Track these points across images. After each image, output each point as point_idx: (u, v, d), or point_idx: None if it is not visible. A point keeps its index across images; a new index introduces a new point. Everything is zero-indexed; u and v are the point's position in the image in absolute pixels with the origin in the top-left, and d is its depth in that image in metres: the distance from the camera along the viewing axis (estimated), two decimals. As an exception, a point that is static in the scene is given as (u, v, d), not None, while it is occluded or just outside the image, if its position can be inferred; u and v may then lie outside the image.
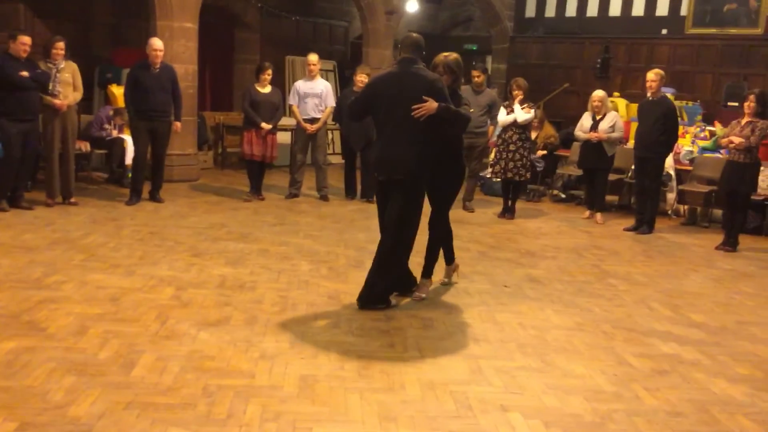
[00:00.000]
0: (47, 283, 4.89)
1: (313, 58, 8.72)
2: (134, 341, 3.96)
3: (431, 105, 4.57)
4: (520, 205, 8.82)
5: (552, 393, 3.64)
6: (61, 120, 7.27)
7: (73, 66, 7.41)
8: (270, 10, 12.52)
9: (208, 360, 3.78)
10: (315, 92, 8.63)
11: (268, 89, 8.34)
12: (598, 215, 8.50)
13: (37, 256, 5.53)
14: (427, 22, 16.30)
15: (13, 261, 5.34)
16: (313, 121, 8.62)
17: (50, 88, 7.11)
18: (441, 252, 5.41)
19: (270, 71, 8.32)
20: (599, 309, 5.14)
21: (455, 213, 8.46)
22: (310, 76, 8.74)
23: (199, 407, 3.26)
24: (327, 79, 10.19)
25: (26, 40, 6.88)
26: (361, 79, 8.68)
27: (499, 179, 8.64)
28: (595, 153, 8.28)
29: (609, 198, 9.19)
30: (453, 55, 5.22)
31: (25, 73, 6.77)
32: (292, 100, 8.77)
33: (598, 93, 8.45)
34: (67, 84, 7.27)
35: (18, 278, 4.95)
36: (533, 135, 9.52)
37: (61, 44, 7.19)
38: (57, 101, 7.13)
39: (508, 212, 8.49)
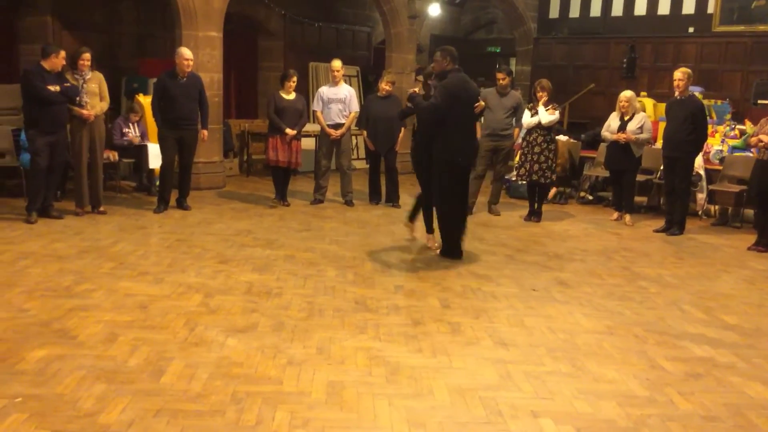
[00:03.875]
0: (77, 292, 4.94)
1: (336, 64, 8.75)
2: (163, 348, 3.99)
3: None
4: (546, 207, 8.74)
5: (583, 398, 3.59)
6: (89, 130, 7.36)
7: (100, 76, 7.51)
8: (293, 18, 12.58)
9: (237, 366, 3.78)
10: (339, 98, 8.65)
11: (292, 96, 8.37)
12: (627, 217, 8.39)
13: (67, 264, 5.59)
14: (450, 26, 16.28)
15: (44, 270, 5.41)
16: (337, 126, 8.64)
17: (78, 99, 7.20)
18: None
19: (295, 78, 8.36)
20: (630, 312, 5.06)
21: (480, 216, 8.47)
22: (334, 82, 8.77)
23: (228, 414, 3.26)
24: (350, 85, 10.22)
25: (64, 54, 7.00)
26: (385, 86, 8.70)
27: (524, 182, 8.57)
28: (623, 154, 8.17)
29: (637, 199, 9.08)
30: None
31: (54, 88, 6.86)
32: (316, 106, 8.80)
33: (626, 93, 8.34)
34: (94, 94, 7.36)
35: (48, 287, 5.01)
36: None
37: (87, 55, 7.28)
38: (84, 111, 7.22)
39: (534, 215, 8.42)
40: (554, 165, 8.25)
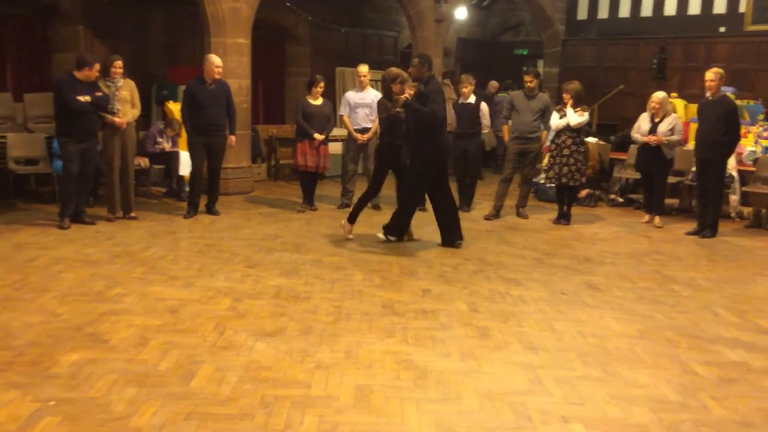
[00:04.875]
0: (109, 296, 5.01)
1: (363, 69, 8.78)
2: (193, 352, 4.02)
3: None
4: (575, 210, 8.66)
5: (615, 403, 3.54)
6: (121, 137, 7.46)
7: (131, 84, 7.61)
8: (320, 23, 12.65)
9: (265, 370, 3.80)
10: (365, 102, 8.67)
11: (319, 101, 8.41)
12: (657, 219, 8.27)
13: (99, 269, 5.67)
14: (477, 29, 16.24)
15: (77, 275, 5.49)
16: (364, 131, 8.66)
17: (110, 106, 7.31)
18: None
19: (322, 84, 8.41)
20: (662, 316, 4.98)
21: (508, 220, 8.42)
22: (361, 87, 8.80)
23: (257, 418, 3.27)
24: (377, 89, 10.21)
25: (98, 67, 7.10)
26: (410, 90, 8.67)
27: (553, 185, 8.50)
28: (654, 156, 8.07)
29: (669, 201, 8.95)
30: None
31: (85, 98, 6.96)
32: (342, 110, 8.83)
33: (658, 95, 8.23)
34: (125, 101, 7.46)
35: (81, 291, 5.09)
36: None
37: (119, 63, 7.39)
38: (117, 119, 7.32)
39: (563, 218, 8.34)
40: (584, 167, 8.16)
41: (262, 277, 5.59)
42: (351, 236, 7.01)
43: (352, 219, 7.03)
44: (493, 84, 13.57)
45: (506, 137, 8.73)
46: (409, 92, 6.61)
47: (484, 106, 8.81)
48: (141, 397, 3.44)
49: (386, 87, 6.77)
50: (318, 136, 8.24)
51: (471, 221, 8.37)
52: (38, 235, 6.74)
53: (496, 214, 8.55)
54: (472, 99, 8.71)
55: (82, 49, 9.62)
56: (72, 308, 4.71)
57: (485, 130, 8.92)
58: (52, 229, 7.01)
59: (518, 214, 8.69)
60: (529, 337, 4.47)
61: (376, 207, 8.77)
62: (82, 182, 7.24)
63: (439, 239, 7.00)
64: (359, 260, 6.25)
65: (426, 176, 6.68)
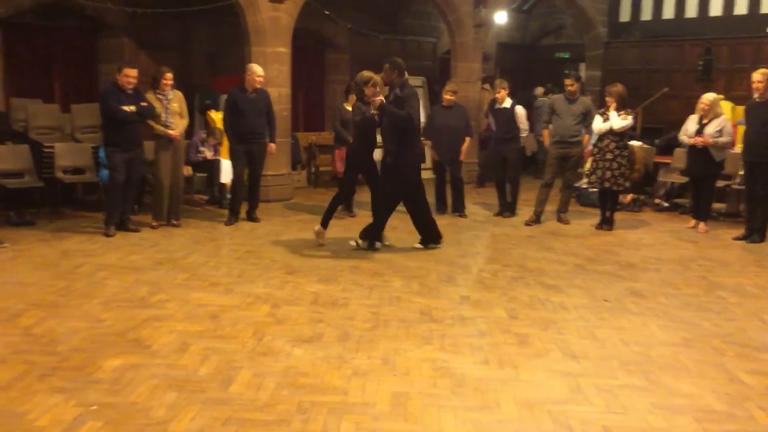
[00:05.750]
0: (152, 302, 5.09)
1: (402, 75, 8.76)
2: (232, 358, 4.06)
3: None
4: (619, 215, 8.50)
5: (658, 413, 3.45)
6: (173, 148, 7.59)
7: (180, 95, 7.73)
8: (359, 31, 12.71)
9: (302, 376, 3.81)
10: (403, 108, 8.66)
11: (358, 107, 8.42)
12: (701, 224, 8.07)
13: (143, 276, 5.78)
14: (517, 33, 16.11)
15: (121, 281, 5.60)
16: (402, 137, 8.64)
17: (163, 118, 7.43)
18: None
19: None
20: (708, 323, 4.85)
21: (549, 225, 8.31)
22: (399, 93, 8.78)
23: (294, 424, 3.28)
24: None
25: (130, 72, 7.15)
26: (447, 95, 8.69)
27: (595, 189, 8.37)
28: (703, 159, 7.88)
29: (716, 205, 8.72)
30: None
31: (130, 108, 7.10)
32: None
33: (708, 96, 8.04)
34: (176, 114, 7.59)
35: (125, 297, 5.18)
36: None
37: (169, 75, 7.50)
38: (171, 132, 7.45)
39: (606, 223, 8.20)
40: (627, 171, 8.01)
41: (300, 284, 5.62)
42: (323, 242, 6.97)
43: (324, 224, 7.01)
44: (540, 89, 13.47)
45: (546, 141, 8.64)
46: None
47: (519, 109, 8.72)
48: (181, 402, 3.48)
49: (359, 90, 6.80)
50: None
51: (511, 227, 8.30)
52: (84, 243, 6.90)
53: (536, 219, 8.46)
54: (507, 103, 8.64)
55: (126, 60, 9.84)
56: (116, 314, 4.80)
57: (524, 134, 8.82)
58: (97, 236, 7.17)
59: (559, 220, 8.58)
60: (570, 344, 4.40)
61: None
62: (128, 190, 7.39)
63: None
64: (398, 266, 6.24)
65: (402, 183, 6.73)
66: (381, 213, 6.88)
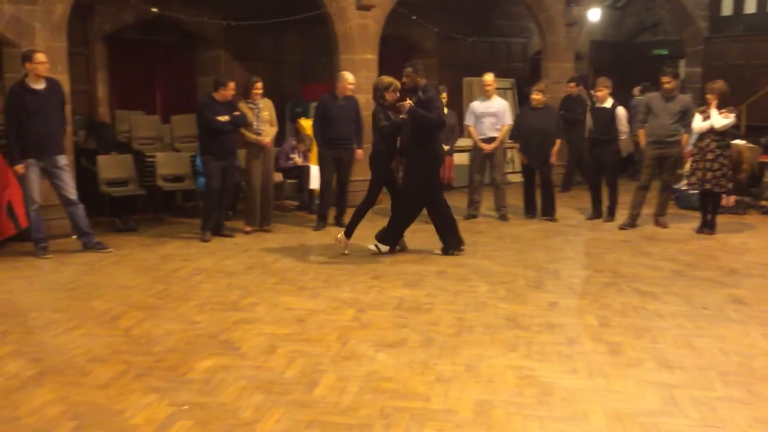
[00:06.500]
0: (243, 305, 5.25)
1: (488, 77, 8.69)
2: (317, 361, 4.12)
3: None
4: (721, 218, 8.08)
5: (759, 428, 3.25)
6: (263, 156, 7.83)
7: (270, 103, 7.97)
8: (446, 35, 12.67)
9: (385, 381, 3.82)
10: (491, 111, 8.58)
11: (444, 112, 8.39)
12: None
13: (235, 279, 5.96)
14: (611, 30, 15.61)
15: (215, 285, 5.81)
16: (489, 140, 8.56)
17: (255, 126, 7.68)
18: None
19: (444, 94, 8.40)
20: (819, 334, 4.52)
21: (646, 229, 7.98)
22: (486, 96, 8.71)
23: (376, 429, 3.29)
24: (505, 98, 10.08)
25: (233, 85, 7.49)
26: (535, 96, 8.53)
27: (696, 191, 7.99)
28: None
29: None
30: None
31: (224, 118, 7.37)
32: (468, 120, 8.79)
33: None
34: (266, 122, 7.82)
35: (218, 301, 5.36)
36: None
37: (259, 84, 7.75)
38: (263, 140, 7.69)
39: (707, 226, 7.80)
40: (729, 172, 7.60)
41: (385, 288, 5.65)
42: (347, 252, 6.86)
43: (349, 234, 6.89)
44: (637, 88, 13.01)
45: (642, 142, 8.30)
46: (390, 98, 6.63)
47: (621, 110, 8.42)
48: (267, 403, 3.56)
49: (380, 96, 6.72)
50: (443, 147, 8.22)
51: (604, 231, 8.04)
52: (182, 248, 7.20)
53: (632, 223, 8.15)
54: (608, 103, 8.36)
55: (222, 71, 10.22)
56: (209, 316, 4.97)
57: (623, 137, 8.51)
58: (194, 241, 7.46)
59: (657, 223, 8.23)
60: (665, 354, 4.21)
61: (503, 217, 8.60)
62: (222, 197, 7.66)
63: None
64: (484, 272, 6.16)
65: (425, 185, 6.67)
66: (403, 217, 6.81)
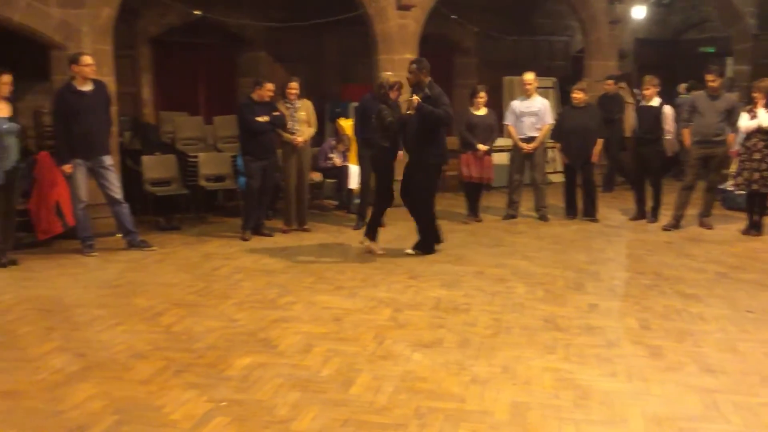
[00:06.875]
0: (281, 304, 5.30)
1: (528, 76, 8.62)
2: (353, 360, 4.14)
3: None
4: (768, 219, 7.86)
5: (805, 437, 3.15)
6: (298, 155, 7.91)
7: (308, 104, 8.04)
8: (487, 34, 12.60)
9: (421, 381, 3.82)
10: (531, 111, 8.51)
11: (482, 111, 8.38)
12: None
13: (274, 278, 6.03)
14: (656, 27, 15.30)
15: (254, 283, 5.88)
16: (529, 140, 8.49)
17: (289, 126, 7.77)
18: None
19: (482, 94, 8.38)
20: None
21: (690, 230, 7.82)
22: (527, 95, 8.64)
23: (411, 429, 3.30)
24: (547, 97, 9.98)
25: (271, 86, 7.60)
26: (576, 95, 8.43)
27: (743, 191, 7.78)
28: None
29: None
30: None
31: (263, 118, 7.46)
32: (508, 119, 8.74)
33: None
34: (303, 122, 7.90)
35: (257, 299, 5.43)
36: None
37: (293, 84, 7.84)
38: (294, 138, 7.77)
39: (754, 228, 7.60)
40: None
41: (422, 288, 5.64)
42: (381, 251, 6.86)
43: (372, 236, 6.88)
44: (682, 86, 12.74)
45: (687, 141, 8.13)
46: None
47: (668, 109, 8.25)
48: (303, 401, 3.59)
49: (384, 93, 6.72)
50: (481, 147, 8.20)
51: (647, 232, 7.90)
52: (223, 246, 7.31)
53: (675, 224, 7.98)
54: (655, 102, 8.21)
55: (263, 73, 10.33)
56: (248, 315, 5.03)
57: (668, 137, 8.34)
58: (235, 240, 7.57)
59: (701, 224, 8.05)
60: (707, 358, 4.12)
61: (543, 218, 8.52)
62: (262, 197, 7.76)
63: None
64: (523, 272, 6.11)
65: (433, 181, 6.78)
66: (426, 220, 6.82)
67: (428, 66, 6.69)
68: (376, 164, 6.95)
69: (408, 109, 6.52)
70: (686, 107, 8.26)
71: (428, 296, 5.42)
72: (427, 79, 6.64)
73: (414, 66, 6.67)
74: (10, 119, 6.35)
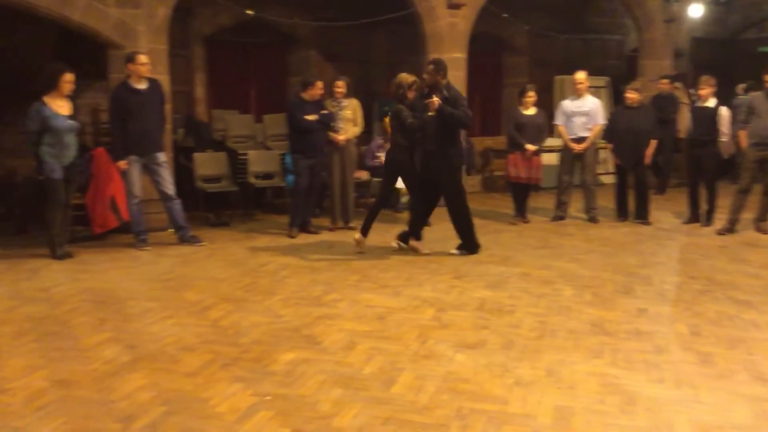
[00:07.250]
0: (325, 301, 5.35)
1: (580, 76, 8.50)
2: (396, 359, 4.15)
3: None
4: (831, 225, 7.57)
5: None
6: (341, 153, 7.97)
7: (355, 103, 8.09)
8: (538, 32, 12.45)
9: (463, 382, 3.81)
10: (582, 111, 8.39)
11: (532, 111, 8.30)
12: None
13: (319, 276, 6.09)
14: (714, 27, 14.90)
15: (299, 280, 5.95)
16: (580, 140, 8.37)
17: (333, 123, 7.84)
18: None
19: (531, 93, 8.29)
20: None
21: (746, 235, 7.59)
22: (578, 95, 8.52)
23: (452, 430, 3.29)
24: (599, 96, 9.82)
25: (320, 85, 7.68)
26: (629, 95, 8.27)
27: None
28: None
29: None
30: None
31: (312, 117, 7.53)
32: (558, 119, 8.62)
33: None
34: (348, 120, 7.96)
35: (302, 296, 5.49)
36: None
37: (339, 83, 7.92)
38: (335, 136, 7.83)
39: (813, 234, 7.35)
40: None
41: (467, 289, 5.62)
42: (363, 250, 6.87)
43: (365, 232, 6.89)
44: (741, 86, 12.37)
45: (743, 143, 7.89)
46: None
47: (724, 111, 8.03)
48: (345, 398, 3.62)
49: (402, 93, 6.64)
50: (530, 147, 8.12)
51: (701, 236, 7.70)
52: (271, 243, 7.41)
53: (730, 228, 7.76)
54: (711, 102, 8.00)
55: (312, 72, 10.42)
56: (293, 311, 5.10)
57: (723, 138, 8.11)
58: (282, 237, 7.66)
59: (758, 229, 7.81)
60: (760, 366, 4.00)
61: (593, 219, 8.39)
62: (310, 195, 7.83)
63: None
64: (570, 275, 6.03)
65: (461, 179, 6.94)
66: (461, 214, 6.78)
67: (445, 67, 6.69)
68: (391, 165, 6.90)
69: (428, 111, 6.49)
70: (743, 108, 8.02)
71: (472, 297, 5.40)
72: (444, 81, 6.62)
73: (431, 67, 6.65)
74: (71, 117, 6.57)
